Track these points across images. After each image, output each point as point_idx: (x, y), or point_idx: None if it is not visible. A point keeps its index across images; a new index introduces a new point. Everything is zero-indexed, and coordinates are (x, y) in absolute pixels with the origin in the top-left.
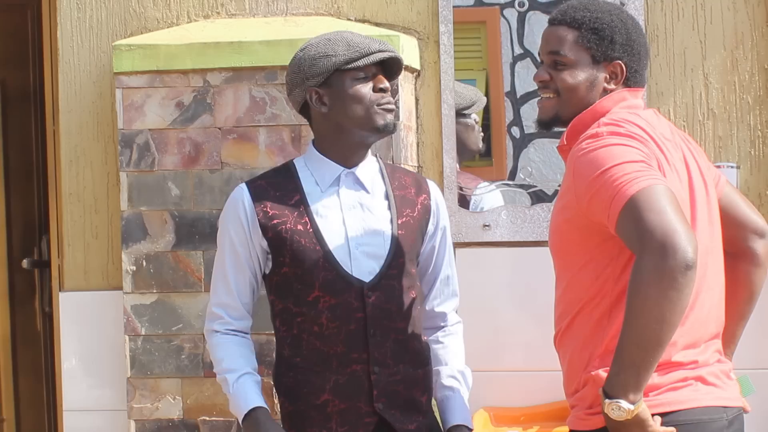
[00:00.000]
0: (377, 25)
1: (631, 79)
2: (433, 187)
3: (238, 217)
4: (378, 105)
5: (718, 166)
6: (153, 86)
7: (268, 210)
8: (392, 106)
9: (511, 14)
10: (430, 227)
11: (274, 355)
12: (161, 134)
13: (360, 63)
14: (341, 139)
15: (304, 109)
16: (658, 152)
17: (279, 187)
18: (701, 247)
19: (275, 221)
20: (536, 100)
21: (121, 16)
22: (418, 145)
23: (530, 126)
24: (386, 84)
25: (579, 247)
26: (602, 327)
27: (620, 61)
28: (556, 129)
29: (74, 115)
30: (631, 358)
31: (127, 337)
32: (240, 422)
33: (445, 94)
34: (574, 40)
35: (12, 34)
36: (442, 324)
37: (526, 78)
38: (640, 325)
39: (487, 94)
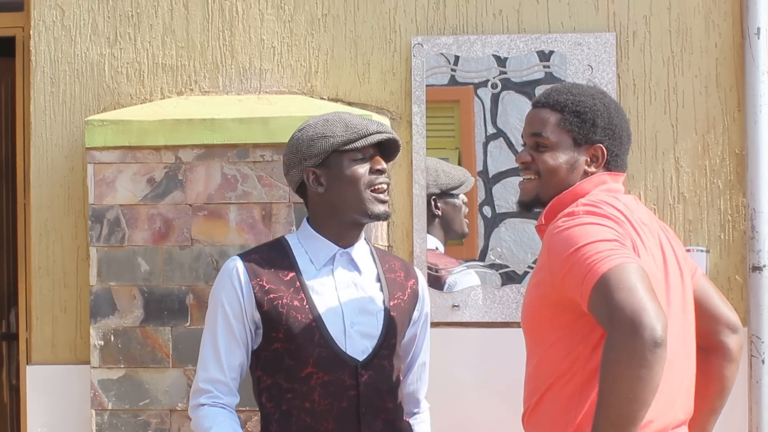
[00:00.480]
0: (350, 104)
1: (612, 163)
2: (420, 274)
3: (234, 289)
4: (372, 188)
5: (688, 250)
6: (125, 162)
7: (264, 284)
8: (385, 195)
9: (485, 94)
10: (416, 313)
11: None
12: (132, 210)
13: (358, 144)
14: (336, 218)
15: (301, 189)
16: (634, 234)
17: (273, 262)
18: (672, 333)
19: (271, 296)
20: (508, 179)
21: (94, 91)
22: (389, 225)
23: (502, 206)
24: (383, 165)
25: (551, 324)
26: (573, 405)
27: (601, 145)
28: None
29: (45, 189)
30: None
31: (93, 412)
32: None
33: (417, 174)
34: (557, 122)
35: None
36: (416, 410)
37: (498, 157)
38: (613, 404)
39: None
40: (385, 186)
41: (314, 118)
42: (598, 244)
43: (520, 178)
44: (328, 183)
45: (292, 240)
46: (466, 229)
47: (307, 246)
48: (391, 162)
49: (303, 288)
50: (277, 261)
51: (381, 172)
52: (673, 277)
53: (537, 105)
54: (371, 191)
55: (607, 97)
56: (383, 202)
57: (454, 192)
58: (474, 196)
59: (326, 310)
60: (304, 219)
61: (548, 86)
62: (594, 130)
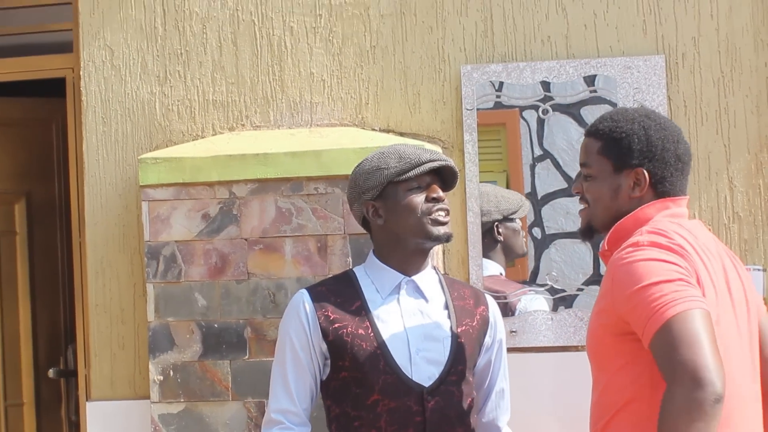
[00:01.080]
0: (401, 134)
1: (659, 187)
2: (491, 300)
3: (300, 321)
4: (430, 215)
5: (746, 269)
6: (179, 198)
7: (329, 314)
8: (444, 218)
9: (531, 116)
10: (488, 339)
11: None
12: (187, 246)
13: (411, 174)
14: (399, 248)
15: (365, 222)
16: (700, 265)
17: (339, 293)
18: (741, 372)
19: (336, 325)
20: (556, 200)
21: (146, 129)
22: (444, 253)
23: (551, 227)
24: (439, 193)
25: (615, 351)
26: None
27: (642, 168)
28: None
29: (100, 228)
30: None
31: None
32: None
33: (471, 201)
34: (597, 150)
35: (38, 147)
36: None
37: (546, 179)
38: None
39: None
40: (443, 213)
41: (372, 153)
42: (663, 285)
43: (569, 199)
44: (386, 214)
45: (359, 272)
46: (526, 249)
47: (374, 276)
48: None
49: (368, 316)
50: (343, 291)
51: (437, 200)
52: (738, 308)
53: (587, 134)
54: (429, 218)
55: (651, 119)
56: (443, 224)
57: (513, 216)
58: (523, 218)
59: (391, 337)
60: (370, 251)
61: (594, 107)
62: (630, 154)
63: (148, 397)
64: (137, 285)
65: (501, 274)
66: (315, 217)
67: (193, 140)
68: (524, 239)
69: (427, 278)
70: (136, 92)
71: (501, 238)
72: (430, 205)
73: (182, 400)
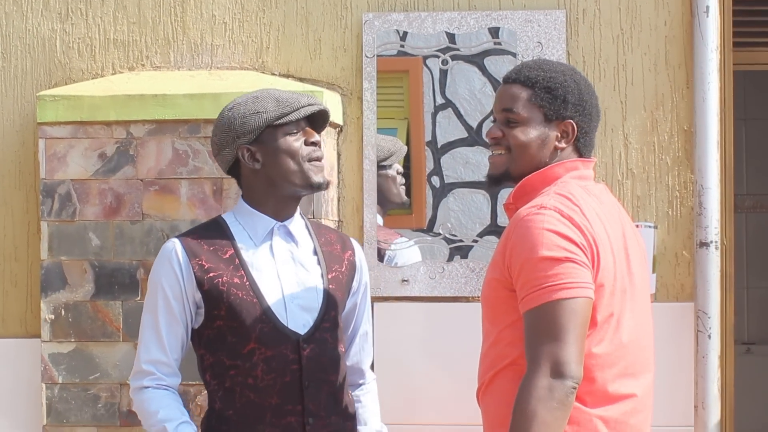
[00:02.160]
0: (301, 80)
1: (581, 140)
2: (356, 245)
3: (173, 270)
4: (310, 159)
5: (637, 225)
6: (76, 137)
7: (204, 263)
8: (322, 163)
9: (434, 64)
10: (355, 284)
11: (191, 405)
12: (83, 185)
13: (291, 117)
14: (274, 193)
15: (233, 168)
16: (601, 232)
17: (211, 241)
18: (639, 327)
19: (211, 274)
20: (456, 150)
21: (45, 66)
22: (339, 200)
23: (450, 176)
24: (317, 137)
25: (506, 307)
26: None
27: (572, 121)
28: (476, 179)
29: None
30: None
31: (44, 385)
32: None
33: (367, 149)
34: (528, 98)
35: None
36: (361, 381)
37: (447, 128)
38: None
39: (408, 143)
40: (321, 156)
41: (242, 97)
42: (551, 263)
43: (469, 148)
44: (264, 158)
45: (229, 218)
46: (405, 198)
47: (245, 223)
48: (341, 138)
49: (242, 265)
50: (215, 240)
51: (315, 143)
52: (636, 273)
53: (508, 81)
54: (309, 162)
55: (578, 74)
56: (321, 171)
57: (384, 163)
58: (422, 166)
59: (266, 285)
60: (239, 197)
61: (497, 57)
62: (565, 105)
63: (39, 336)
64: (32, 223)
65: (380, 224)
66: (211, 160)
67: (93, 79)
68: (400, 186)
69: (297, 224)
70: (37, 29)
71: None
72: (309, 148)
73: (73, 340)
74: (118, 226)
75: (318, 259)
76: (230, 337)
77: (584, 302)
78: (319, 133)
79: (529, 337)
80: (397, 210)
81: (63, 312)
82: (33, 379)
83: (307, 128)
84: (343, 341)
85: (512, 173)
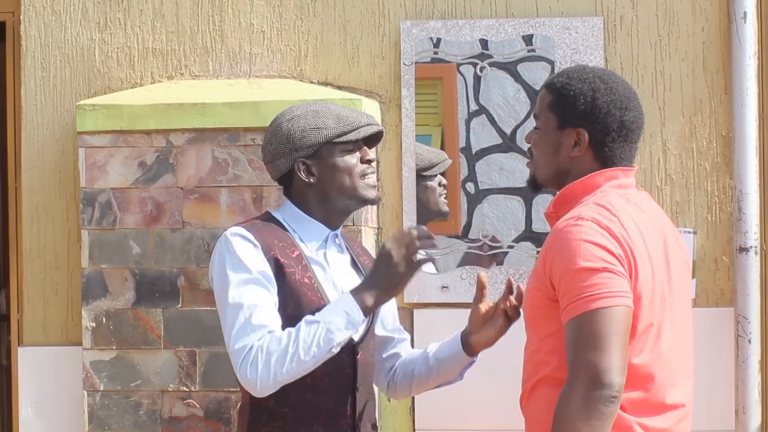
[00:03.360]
0: (339, 88)
1: (599, 151)
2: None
3: (255, 250)
4: (364, 176)
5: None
6: (116, 146)
7: (278, 257)
8: (374, 180)
9: (468, 71)
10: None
11: (232, 412)
12: (123, 193)
13: (351, 137)
14: (326, 205)
15: (285, 177)
16: (639, 243)
17: (277, 236)
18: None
19: (286, 270)
20: (490, 156)
21: (85, 75)
22: (378, 207)
23: (484, 182)
24: (372, 155)
25: (548, 316)
26: None
27: (583, 129)
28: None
29: (36, 173)
30: None
31: (85, 393)
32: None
33: (406, 156)
34: (548, 104)
35: None
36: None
37: (481, 134)
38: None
39: (442, 150)
40: (374, 174)
41: (300, 108)
42: (590, 274)
43: (503, 155)
44: (319, 173)
45: (279, 217)
46: (445, 208)
47: (297, 227)
48: (380, 145)
49: (309, 267)
50: (281, 237)
51: (370, 161)
52: (676, 282)
53: (543, 86)
54: (363, 179)
55: (606, 82)
56: (374, 187)
57: (425, 174)
58: (457, 173)
59: (328, 289)
60: (286, 201)
61: (531, 64)
62: (573, 113)
63: (81, 344)
64: (72, 231)
65: None
66: (251, 168)
67: (131, 88)
68: (442, 198)
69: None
70: (76, 38)
71: (417, 193)
72: (364, 166)
73: (114, 348)
74: (159, 234)
75: (359, 268)
76: None
77: (624, 311)
78: (372, 148)
79: (569, 346)
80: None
81: (104, 320)
82: (75, 386)
83: (364, 147)
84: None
85: (538, 179)
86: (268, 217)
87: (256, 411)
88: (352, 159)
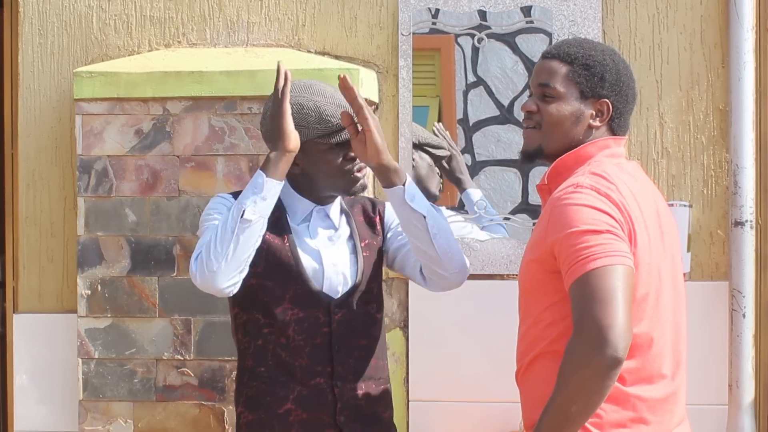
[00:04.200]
0: (337, 57)
1: (615, 120)
2: (384, 204)
3: (229, 203)
4: (349, 174)
5: (671, 205)
6: (113, 113)
7: None
8: (361, 173)
9: (466, 42)
10: (389, 228)
11: (226, 381)
12: (119, 161)
13: (332, 140)
14: (313, 191)
15: None
16: (636, 210)
17: None
18: (668, 303)
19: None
20: (488, 128)
21: (82, 42)
22: (374, 177)
23: (481, 153)
24: None
25: (545, 289)
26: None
27: (608, 100)
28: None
29: (33, 140)
30: (549, 426)
31: (80, 360)
32: (268, 178)
33: (403, 127)
34: (565, 74)
35: None
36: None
37: (479, 105)
38: (561, 404)
39: (439, 121)
40: (359, 171)
41: (290, 95)
42: (591, 235)
43: (501, 126)
44: (303, 164)
45: None
46: (437, 193)
47: (286, 201)
48: (377, 116)
49: (286, 228)
50: None
51: (354, 159)
52: (669, 251)
53: (547, 56)
54: (347, 175)
55: (617, 54)
56: (358, 180)
57: (431, 150)
58: (454, 144)
59: (305, 252)
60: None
61: (529, 36)
62: (602, 84)
63: (76, 311)
64: (68, 198)
65: None
66: (248, 137)
67: (129, 55)
68: (439, 183)
69: (335, 206)
70: (73, 5)
71: (413, 164)
72: (347, 163)
73: (109, 316)
74: (155, 203)
75: (351, 232)
76: (263, 296)
77: (627, 270)
78: None
79: (575, 306)
80: None
81: (99, 287)
82: (69, 354)
83: (348, 143)
84: (380, 310)
85: (545, 150)
86: None
87: (241, 372)
88: (335, 157)
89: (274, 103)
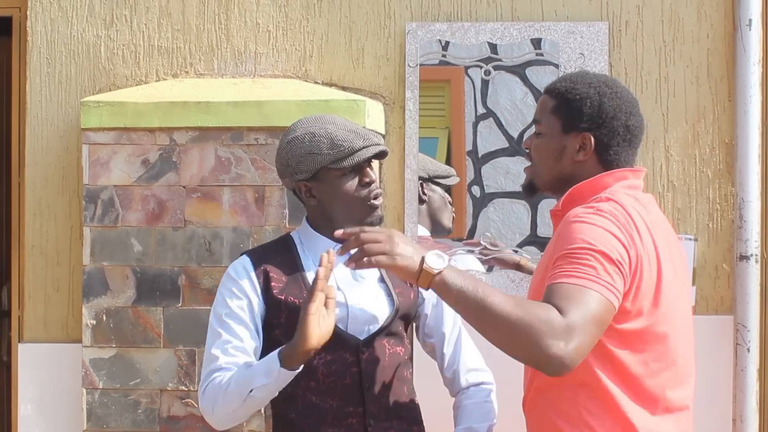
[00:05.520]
0: (344, 88)
1: (604, 155)
2: None
3: (244, 281)
4: (365, 200)
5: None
6: (119, 143)
7: (270, 273)
8: (378, 201)
9: (476, 74)
10: (426, 293)
11: None
12: (126, 190)
13: (345, 164)
14: (331, 224)
15: (296, 194)
16: (649, 241)
17: (282, 260)
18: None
19: (273, 283)
20: (497, 160)
21: (90, 72)
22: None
23: (490, 185)
24: (372, 176)
25: None
26: (573, 400)
27: (589, 133)
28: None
29: (40, 169)
30: (474, 304)
31: (84, 390)
32: (282, 370)
33: (409, 159)
34: (551, 109)
35: None
36: (463, 387)
37: (488, 137)
38: (501, 312)
39: (448, 153)
40: (376, 198)
41: (301, 127)
42: (602, 257)
43: (510, 158)
44: (320, 195)
45: (296, 237)
46: (451, 225)
47: (307, 244)
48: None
49: (303, 280)
50: (282, 256)
51: (370, 184)
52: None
53: (544, 91)
54: (364, 202)
55: (610, 87)
56: (376, 208)
57: (441, 181)
58: (463, 176)
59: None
60: (304, 217)
61: (539, 68)
62: (580, 117)
63: (81, 341)
64: (74, 228)
65: (429, 235)
66: (254, 168)
67: (136, 85)
68: (452, 214)
69: None
70: (81, 35)
71: (426, 198)
72: (363, 189)
73: (114, 346)
74: (161, 233)
75: (381, 276)
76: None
77: (611, 308)
78: (380, 160)
79: (550, 298)
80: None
81: (104, 317)
82: (74, 384)
83: (364, 168)
84: (406, 349)
85: (537, 184)
86: (282, 239)
87: (274, 421)
88: (351, 183)
89: (308, 294)
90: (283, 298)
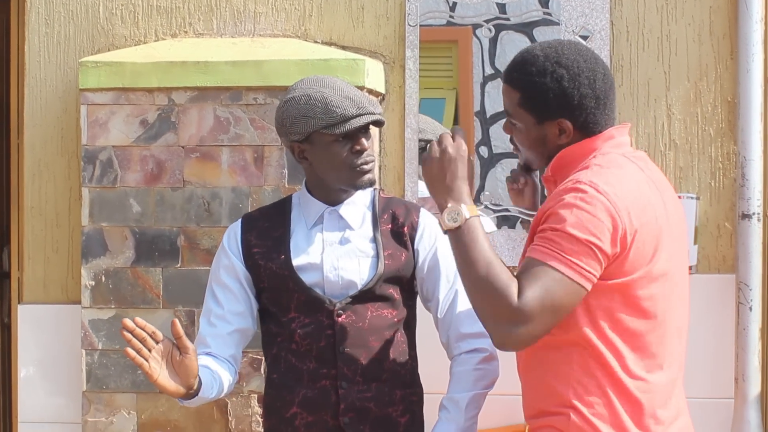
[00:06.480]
0: (344, 48)
1: (584, 129)
2: (423, 213)
3: (229, 251)
4: (355, 167)
5: (679, 197)
6: (118, 103)
7: (252, 240)
8: (369, 167)
9: (483, 34)
10: (421, 255)
11: None
12: (124, 151)
13: (337, 131)
14: (324, 186)
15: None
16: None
17: (272, 222)
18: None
19: (255, 249)
20: (504, 120)
21: (88, 32)
22: (380, 168)
23: (498, 146)
24: (364, 144)
25: None
26: (567, 360)
27: (563, 119)
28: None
29: (39, 130)
30: (463, 246)
31: (83, 351)
32: (181, 399)
33: (409, 118)
34: (518, 102)
35: None
36: (456, 352)
37: (496, 98)
38: (479, 267)
39: (456, 114)
40: (366, 164)
41: (298, 89)
42: (575, 242)
43: None
44: (312, 158)
45: (295, 200)
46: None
47: (302, 205)
48: (383, 106)
49: (286, 244)
50: (273, 218)
51: (361, 152)
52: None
53: (503, 80)
54: (354, 169)
55: (564, 66)
56: (365, 173)
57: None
58: (471, 137)
59: (306, 262)
60: (304, 179)
61: (546, 28)
62: (548, 108)
63: (80, 302)
64: (73, 189)
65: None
66: (253, 128)
67: (135, 45)
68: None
69: (354, 205)
70: None
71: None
72: (354, 157)
73: (113, 306)
74: (159, 193)
75: (373, 237)
76: (272, 307)
77: (579, 292)
78: (378, 127)
79: (521, 271)
80: None
81: (103, 278)
82: (73, 345)
83: (358, 136)
84: (398, 312)
85: (532, 166)
86: (281, 202)
87: (266, 380)
88: (341, 150)
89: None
90: (263, 263)
